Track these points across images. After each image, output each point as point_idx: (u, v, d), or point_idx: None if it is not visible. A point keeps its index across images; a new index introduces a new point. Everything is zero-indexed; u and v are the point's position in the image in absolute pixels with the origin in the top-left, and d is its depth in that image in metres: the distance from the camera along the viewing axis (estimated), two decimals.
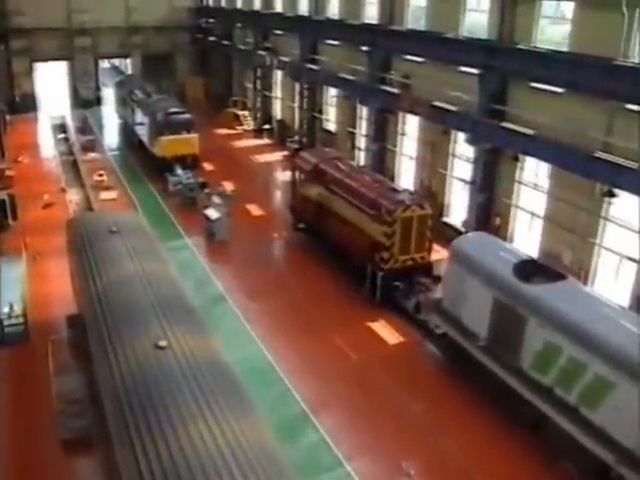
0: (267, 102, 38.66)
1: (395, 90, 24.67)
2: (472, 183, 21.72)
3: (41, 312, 17.83)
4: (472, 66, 20.91)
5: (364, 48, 27.01)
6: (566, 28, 18.73)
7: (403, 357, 16.93)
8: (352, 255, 19.99)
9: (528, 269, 14.59)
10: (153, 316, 11.82)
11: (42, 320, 17.46)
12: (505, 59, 19.63)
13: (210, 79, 46.54)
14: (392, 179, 26.01)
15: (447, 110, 21.48)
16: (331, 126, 32.14)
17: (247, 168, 32.81)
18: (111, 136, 39.09)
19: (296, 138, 34.57)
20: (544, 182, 20.01)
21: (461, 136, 22.68)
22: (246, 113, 40.58)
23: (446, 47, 21.98)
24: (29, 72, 42.24)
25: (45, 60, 42.91)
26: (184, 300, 12.68)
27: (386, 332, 17.90)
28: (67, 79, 44.94)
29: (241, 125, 40.08)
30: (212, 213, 22.85)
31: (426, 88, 23.17)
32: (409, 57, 24.73)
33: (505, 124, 19.53)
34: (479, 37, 21.24)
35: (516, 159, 19.92)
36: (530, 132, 18.56)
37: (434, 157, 24.00)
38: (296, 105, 34.90)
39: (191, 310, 12.36)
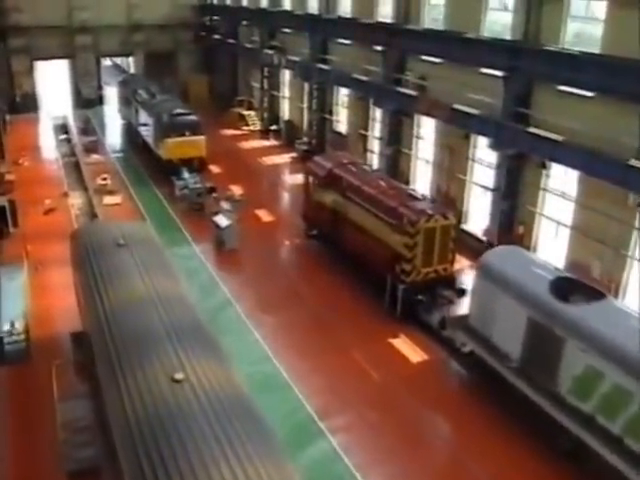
0: (274, 102, 37.69)
1: (411, 92, 23.68)
2: (494, 190, 20.76)
3: (44, 328, 16.88)
4: (495, 68, 19.95)
5: (378, 48, 26.03)
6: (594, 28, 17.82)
7: (428, 377, 16.01)
8: (370, 266, 19.06)
9: (566, 287, 13.66)
10: (167, 343, 10.87)
11: (45, 337, 16.52)
12: (531, 61, 18.68)
13: (214, 78, 45.55)
14: (407, 183, 25.08)
15: (468, 114, 20.50)
16: (342, 128, 31.15)
17: (255, 171, 31.83)
18: (114, 137, 38.09)
19: (305, 140, 33.60)
20: (572, 190, 19.04)
21: (481, 140, 21.75)
22: (252, 113, 39.59)
23: (467, 48, 21.03)
24: (29, 71, 41.25)
25: (46, 59, 41.90)
26: (200, 325, 11.71)
27: (408, 349, 16.97)
28: (68, 78, 43.92)
29: (247, 126, 39.10)
30: (222, 220, 21.89)
31: (444, 90, 22.21)
32: (425, 58, 23.76)
33: (532, 129, 18.53)
34: (502, 37, 20.26)
35: (543, 166, 18.97)
36: (558, 138, 17.60)
37: (452, 162, 23.05)
38: (305, 106, 33.94)
39: (208, 336, 11.41)
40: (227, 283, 19.86)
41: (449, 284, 18.29)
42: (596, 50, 17.27)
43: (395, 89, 24.42)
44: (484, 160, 22.00)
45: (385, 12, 26.49)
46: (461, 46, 21.35)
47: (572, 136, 17.40)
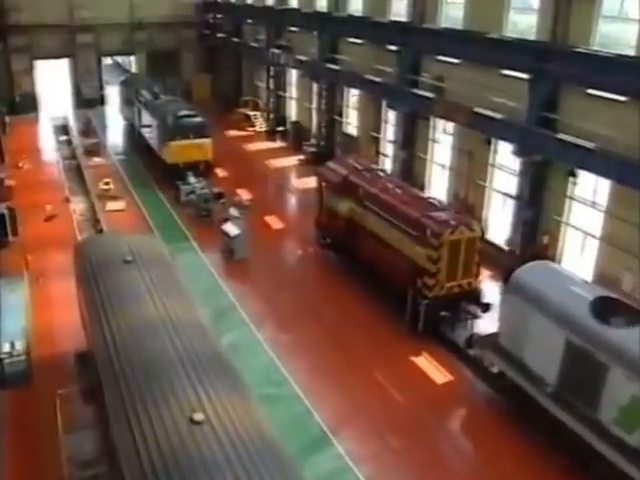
0: (280, 102, 36.68)
1: (428, 94, 22.69)
2: (517, 198, 19.80)
3: (46, 346, 15.94)
4: (520, 70, 18.97)
5: (392, 47, 25.04)
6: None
7: (454, 399, 15.13)
8: (389, 279, 18.11)
9: (608, 308, 12.72)
10: (183, 375, 9.93)
11: (47, 356, 15.58)
12: (560, 63, 17.70)
13: (218, 77, 44.53)
14: (421, 188, 24.13)
15: (491, 118, 19.53)
16: (352, 130, 30.13)
17: (262, 174, 30.84)
18: (116, 138, 37.06)
19: (313, 141, 32.62)
20: (601, 198, 18.09)
21: (502, 145, 20.78)
22: (257, 114, 38.58)
23: (489, 48, 20.05)
24: (29, 71, 40.18)
25: (46, 58, 40.76)
26: (219, 354, 10.77)
27: (432, 368, 16.05)
28: (69, 78, 42.85)
29: (252, 126, 38.10)
30: (231, 229, 20.92)
31: (463, 92, 21.23)
32: (442, 58, 22.78)
33: (561, 135, 17.56)
34: (526, 38, 19.29)
35: (572, 174, 18.01)
36: (590, 145, 16.64)
37: (471, 167, 22.08)
38: (313, 106, 32.97)
39: (228, 367, 10.45)
40: (238, 296, 18.88)
41: (473, 298, 17.36)
42: (630, 52, 16.33)
43: (410, 91, 23.42)
44: (506, 166, 21.03)
45: (398, 10, 25.49)
46: (482, 46, 20.37)
47: (602, 142, 16.46)
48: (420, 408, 14.63)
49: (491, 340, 15.20)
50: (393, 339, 17.09)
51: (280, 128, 36.11)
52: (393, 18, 25.50)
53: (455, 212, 17.60)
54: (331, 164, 21.20)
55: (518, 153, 18.97)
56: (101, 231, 23.52)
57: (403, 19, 24.48)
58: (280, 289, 19.56)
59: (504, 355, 14.57)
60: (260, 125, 37.94)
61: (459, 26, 22.13)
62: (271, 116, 36.98)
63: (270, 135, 36.41)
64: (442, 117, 22.25)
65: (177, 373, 10.00)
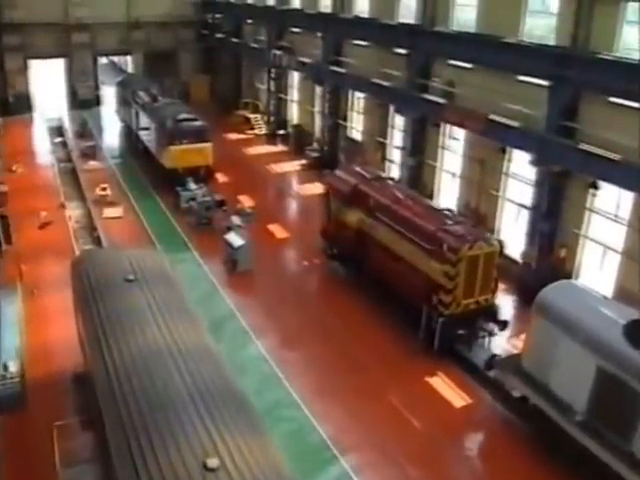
0: (281, 105, 35.80)
1: (439, 99, 21.89)
2: (534, 209, 19.02)
3: (41, 366, 15.04)
4: (538, 76, 18.20)
5: (400, 51, 24.24)
6: None
7: (473, 424, 14.37)
8: (402, 294, 17.30)
9: None
10: (194, 411, 9.10)
11: (43, 377, 14.68)
12: (581, 70, 16.91)
13: (216, 78, 43.60)
14: (430, 197, 23.36)
15: (507, 126, 18.75)
16: (356, 134, 29.29)
17: (263, 179, 29.96)
18: (112, 140, 36.05)
19: (315, 146, 31.78)
20: (623, 212, 17.34)
21: (517, 154, 20.02)
22: (258, 116, 37.69)
23: (504, 53, 19.26)
24: (23, 70, 39.01)
25: (40, 57, 39.65)
26: (231, 386, 9.92)
27: (448, 390, 15.26)
28: (64, 77, 41.77)
29: (252, 129, 37.21)
30: (235, 239, 20.05)
31: (476, 98, 20.46)
32: (454, 62, 21.98)
33: (583, 145, 16.80)
34: (545, 43, 18.53)
35: (594, 186, 17.24)
36: (614, 156, 15.88)
37: (484, 176, 21.29)
38: (316, 110, 32.13)
39: (242, 402, 9.61)
40: (242, 311, 18.02)
41: (490, 315, 16.59)
42: None
43: (420, 96, 22.62)
44: (520, 175, 20.26)
45: (407, 12, 24.67)
46: (497, 51, 19.58)
47: (625, 153, 15.71)
48: (437, 433, 13.85)
49: (513, 362, 14.44)
50: (406, 358, 16.29)
51: (281, 131, 35.22)
52: (402, 20, 24.67)
53: (472, 226, 16.79)
54: (339, 172, 20.38)
55: (536, 163, 18.20)
56: (98, 239, 22.70)
57: (412, 21, 23.66)
58: (286, 302, 18.71)
59: (528, 379, 13.80)
60: (260, 128, 37.06)
61: (471, 29, 21.37)
62: (272, 119, 36.08)
63: (271, 138, 35.51)
64: (454, 124, 21.44)
65: (186, 407, 9.17)
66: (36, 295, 18.49)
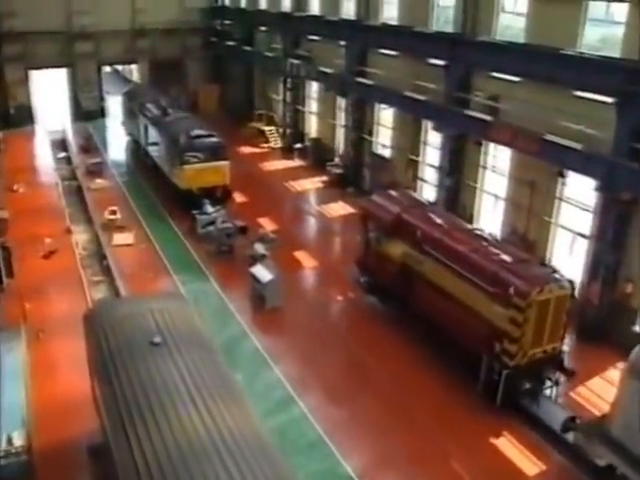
0: (298, 117, 33.82)
1: (483, 115, 19.95)
2: (597, 239, 17.07)
3: (50, 432, 13.06)
4: (603, 93, 16.27)
5: (435, 61, 22.31)
6: None
7: None
8: (457, 340, 15.32)
9: None
10: None
11: (52, 445, 12.75)
12: None
13: (226, 88, 41.69)
14: (470, 220, 21.38)
15: (567, 147, 16.80)
16: (384, 150, 27.29)
17: (283, 199, 27.97)
18: (119, 155, 34.07)
19: (337, 161, 29.83)
20: None
21: (573, 177, 18.06)
22: (272, 129, 35.71)
23: (561, 66, 17.32)
24: (24, 81, 37.12)
25: (42, 67, 37.71)
26: None
27: (518, 454, 13.32)
28: (67, 88, 39.84)
29: (267, 142, 35.24)
30: (263, 273, 18.07)
31: (524, 115, 18.50)
32: (499, 75, 20.05)
33: None
34: (610, 55, 16.62)
35: None
36: None
37: (534, 199, 19.34)
38: (337, 123, 30.16)
39: None
40: (276, 358, 15.97)
41: (557, 363, 14.65)
42: None
43: (461, 111, 20.67)
44: (576, 200, 18.32)
45: (443, 20, 22.77)
46: (552, 64, 17.63)
47: None
48: None
49: (598, 427, 12.48)
50: (465, 414, 14.32)
51: (298, 145, 33.23)
52: (437, 29, 22.74)
53: (541, 265, 14.84)
54: (377, 198, 18.38)
55: (602, 189, 16.25)
56: (108, 268, 20.77)
57: (450, 30, 21.73)
58: (323, 347, 16.69)
59: (617, 447, 11.85)
60: (275, 141, 35.09)
61: (519, 39, 19.46)
62: (288, 132, 34.12)
63: (287, 152, 33.52)
64: (502, 143, 19.47)
65: None
66: (42, 339, 16.54)
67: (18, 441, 11.83)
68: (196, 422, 9.06)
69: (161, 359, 10.40)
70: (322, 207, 26.94)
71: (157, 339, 10.75)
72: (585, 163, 16.53)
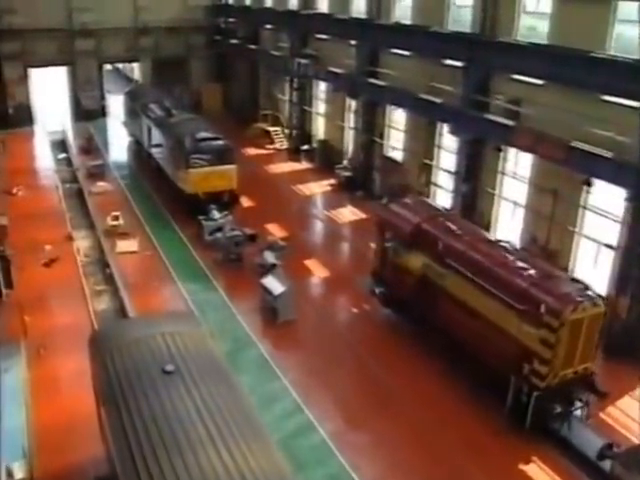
0: (305, 118, 32.96)
1: (503, 120, 19.13)
2: (626, 250, 16.27)
3: (53, 460, 12.23)
4: (636, 98, 15.45)
5: (452, 62, 21.48)
6: None
7: None
8: (481, 359, 14.52)
9: None
10: None
11: (55, 473, 11.94)
12: None
13: (230, 87, 40.83)
14: (487, 228, 20.62)
15: (595, 155, 16.00)
16: (395, 153, 26.44)
17: (291, 203, 27.12)
18: (121, 156, 33.21)
19: (346, 164, 29.01)
20: None
21: (599, 184, 17.26)
22: (278, 129, 34.85)
23: (588, 69, 16.50)
24: (23, 80, 36.20)
25: (42, 66, 36.85)
26: None
27: None
28: (67, 87, 38.93)
29: (272, 143, 34.40)
30: (274, 285, 17.25)
31: (548, 120, 17.70)
32: (520, 78, 19.22)
33: None
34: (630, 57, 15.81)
35: None
36: None
37: (556, 208, 18.54)
38: (346, 125, 29.33)
39: None
40: (292, 377, 15.07)
41: (588, 384, 13.85)
42: None
43: (480, 115, 19.86)
44: (601, 209, 17.53)
45: (462, 20, 21.89)
46: (577, 66, 16.84)
47: None
48: None
49: (637, 456, 11.72)
50: (492, 438, 13.51)
51: (305, 147, 32.40)
52: (454, 29, 21.89)
53: (573, 281, 14.02)
54: (395, 208, 17.53)
55: (633, 200, 15.46)
56: (111, 277, 19.96)
57: (468, 30, 20.90)
58: (339, 365, 15.88)
59: None
60: (281, 142, 34.24)
61: (542, 40, 18.64)
62: (294, 133, 33.27)
63: (293, 154, 32.68)
64: (524, 149, 18.65)
65: None
66: (43, 355, 15.72)
67: (19, 473, 11.05)
68: (215, 463, 8.25)
69: (175, 390, 9.57)
70: (331, 212, 26.09)
71: (170, 367, 9.92)
72: (616, 172, 15.72)
